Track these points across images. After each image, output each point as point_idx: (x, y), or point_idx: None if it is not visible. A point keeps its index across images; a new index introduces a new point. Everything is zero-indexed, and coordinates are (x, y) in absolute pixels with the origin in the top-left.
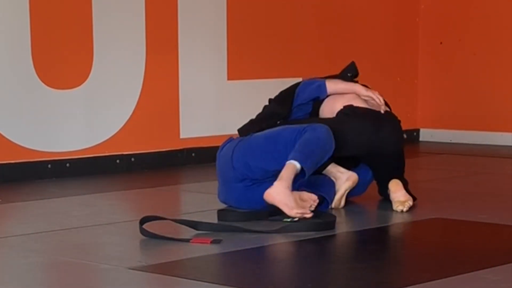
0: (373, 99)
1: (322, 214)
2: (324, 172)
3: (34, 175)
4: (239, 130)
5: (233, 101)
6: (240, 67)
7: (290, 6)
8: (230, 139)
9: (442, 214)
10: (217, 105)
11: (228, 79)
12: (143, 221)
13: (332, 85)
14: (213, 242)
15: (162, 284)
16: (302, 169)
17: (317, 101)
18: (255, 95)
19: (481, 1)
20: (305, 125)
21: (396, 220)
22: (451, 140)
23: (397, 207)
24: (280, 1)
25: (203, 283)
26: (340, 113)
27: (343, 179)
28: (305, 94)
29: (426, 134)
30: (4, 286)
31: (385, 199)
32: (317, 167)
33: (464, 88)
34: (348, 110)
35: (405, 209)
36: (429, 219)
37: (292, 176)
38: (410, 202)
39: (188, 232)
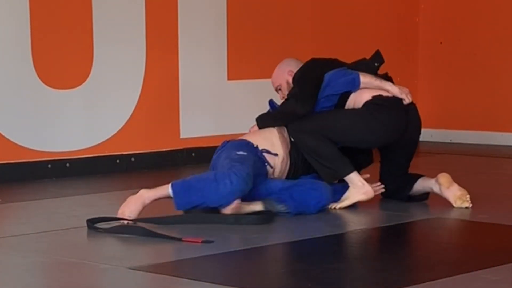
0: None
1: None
2: (346, 178)
3: (34, 175)
4: (257, 119)
5: (233, 101)
6: (240, 67)
7: (290, 6)
8: (224, 143)
9: (442, 214)
10: (217, 105)
11: (228, 79)
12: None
13: (365, 80)
14: (204, 242)
15: (162, 284)
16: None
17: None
18: (255, 95)
19: (481, 1)
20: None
21: (396, 220)
22: (451, 140)
23: (461, 204)
24: (280, 1)
25: (203, 283)
26: (371, 103)
27: (361, 191)
28: (337, 85)
29: (426, 134)
30: (4, 286)
31: (385, 199)
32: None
33: (464, 88)
34: (379, 100)
35: (469, 205)
36: (429, 219)
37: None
38: (468, 195)
39: (181, 231)
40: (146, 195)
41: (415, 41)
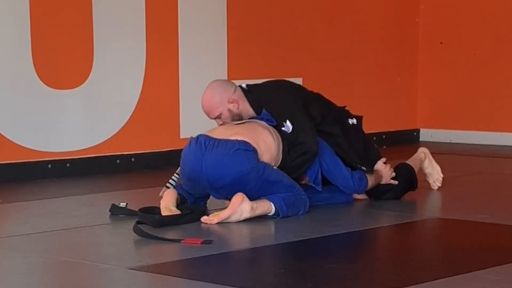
0: None
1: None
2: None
3: (34, 175)
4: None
5: None
6: (240, 67)
7: (291, 6)
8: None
9: (442, 214)
10: None
11: (228, 79)
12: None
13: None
14: (203, 242)
15: (162, 284)
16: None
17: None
18: None
19: (481, 1)
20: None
21: (396, 220)
22: (451, 140)
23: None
24: (280, 1)
25: (203, 283)
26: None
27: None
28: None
29: (426, 134)
30: (4, 286)
31: (385, 199)
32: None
33: (464, 88)
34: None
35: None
36: (429, 219)
37: (260, 211)
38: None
39: (179, 232)
40: (252, 206)
41: (415, 41)
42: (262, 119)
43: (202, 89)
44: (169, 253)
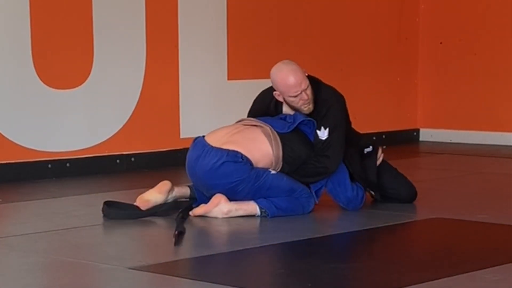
0: None
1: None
2: None
3: (34, 175)
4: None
5: (233, 101)
6: (240, 67)
7: (290, 6)
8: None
9: (442, 214)
10: (217, 105)
11: (228, 79)
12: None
13: None
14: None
15: (162, 284)
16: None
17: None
18: (255, 95)
19: (481, 1)
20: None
21: (396, 220)
22: (451, 140)
23: None
24: (280, 1)
25: (203, 283)
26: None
27: None
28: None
29: (426, 134)
30: (4, 286)
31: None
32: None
33: (464, 88)
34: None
35: None
36: (429, 219)
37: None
38: None
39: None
40: (230, 209)
41: (415, 41)
42: (282, 118)
43: (202, 89)
44: (169, 253)
